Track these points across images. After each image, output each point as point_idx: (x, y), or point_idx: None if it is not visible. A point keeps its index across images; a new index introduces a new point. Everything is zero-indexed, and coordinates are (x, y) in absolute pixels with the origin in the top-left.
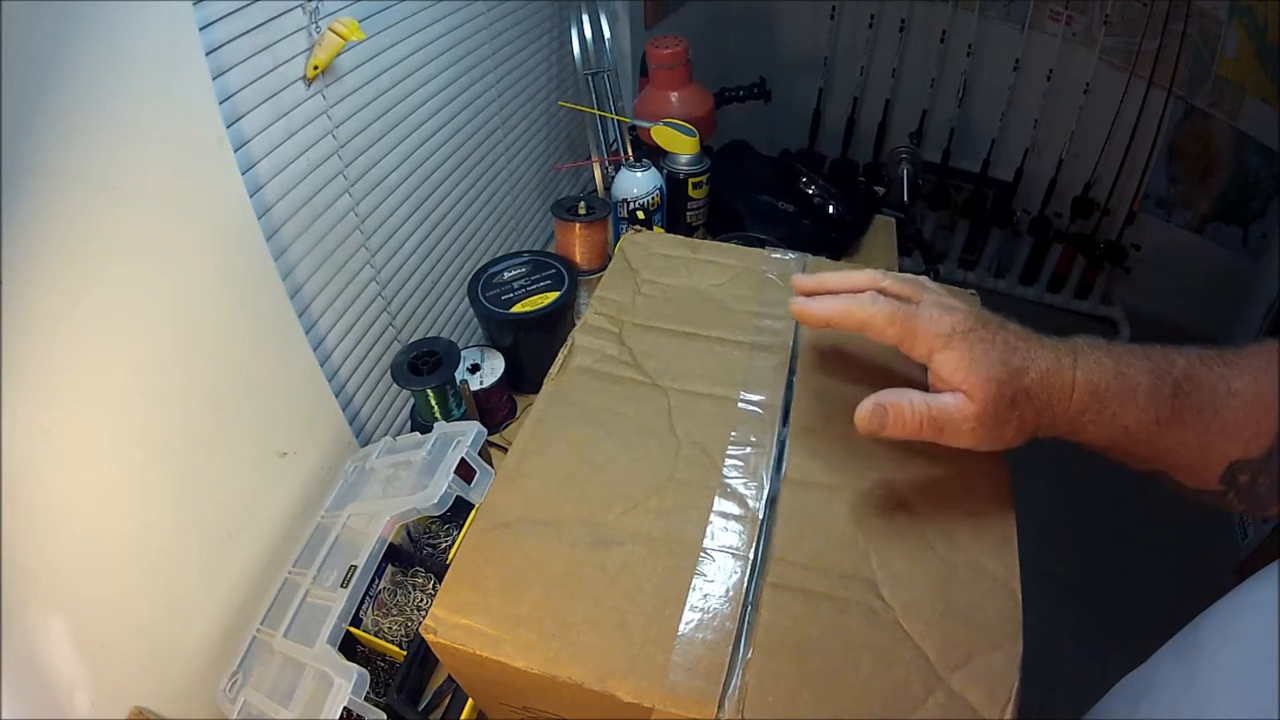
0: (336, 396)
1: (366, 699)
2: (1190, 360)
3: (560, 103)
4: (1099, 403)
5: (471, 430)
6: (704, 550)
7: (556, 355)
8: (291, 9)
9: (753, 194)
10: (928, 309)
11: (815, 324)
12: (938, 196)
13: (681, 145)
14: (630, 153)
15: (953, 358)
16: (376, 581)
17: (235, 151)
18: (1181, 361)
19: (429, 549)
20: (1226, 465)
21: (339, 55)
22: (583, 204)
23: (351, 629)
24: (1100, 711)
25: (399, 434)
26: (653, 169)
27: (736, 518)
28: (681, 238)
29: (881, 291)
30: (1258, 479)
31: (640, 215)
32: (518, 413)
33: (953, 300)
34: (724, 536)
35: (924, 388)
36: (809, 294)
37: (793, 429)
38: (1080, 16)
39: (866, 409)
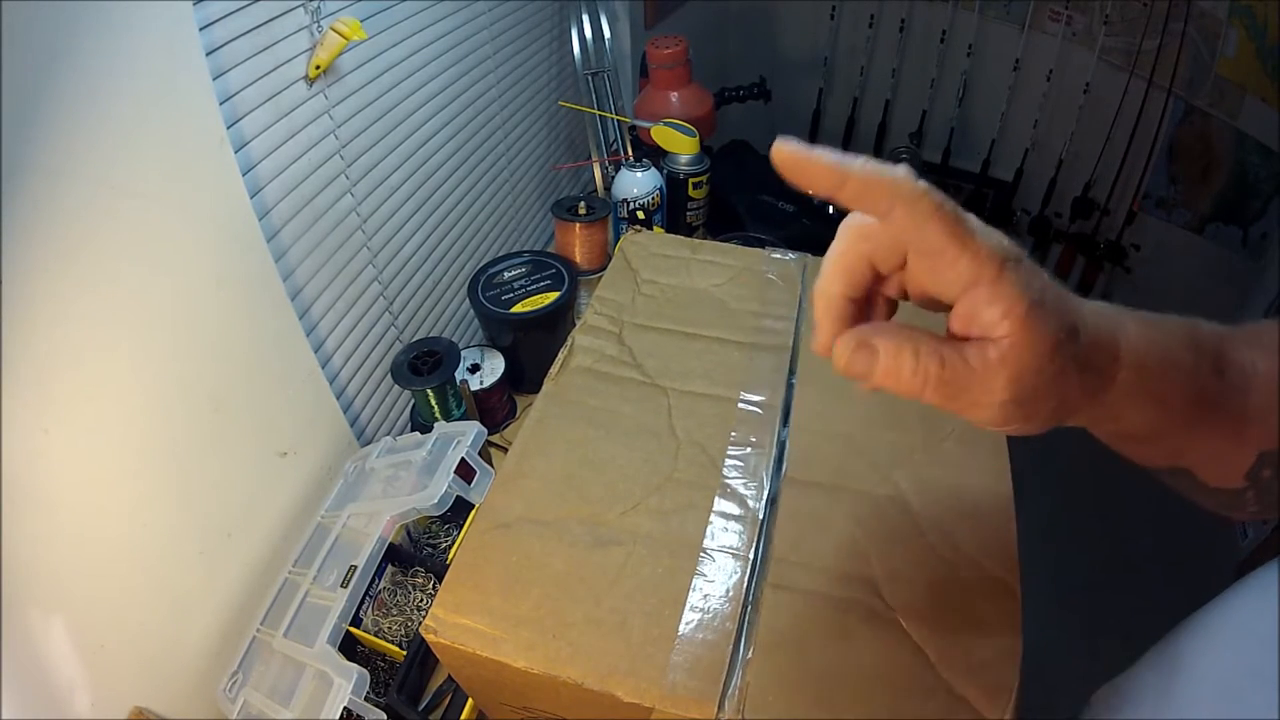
0: (337, 397)
1: (366, 699)
2: (1219, 336)
3: (560, 103)
4: (1142, 381)
5: (471, 430)
6: (704, 550)
7: (556, 355)
8: (293, 9)
9: (753, 194)
10: (976, 222)
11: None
12: None
13: (681, 145)
14: (630, 153)
15: (1006, 291)
16: (376, 581)
17: (236, 152)
18: (1212, 336)
19: (429, 549)
20: (1257, 456)
21: (341, 55)
22: (583, 204)
23: (351, 629)
24: (1082, 714)
25: (399, 434)
26: (653, 169)
27: (736, 518)
28: (681, 238)
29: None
30: None
31: (640, 215)
32: (518, 413)
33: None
34: (724, 536)
35: None
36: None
37: (793, 430)
38: (1080, 16)
39: (849, 345)
